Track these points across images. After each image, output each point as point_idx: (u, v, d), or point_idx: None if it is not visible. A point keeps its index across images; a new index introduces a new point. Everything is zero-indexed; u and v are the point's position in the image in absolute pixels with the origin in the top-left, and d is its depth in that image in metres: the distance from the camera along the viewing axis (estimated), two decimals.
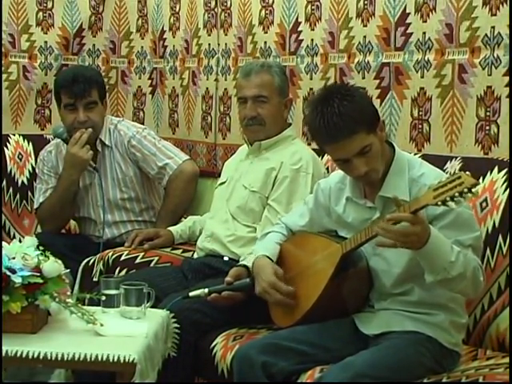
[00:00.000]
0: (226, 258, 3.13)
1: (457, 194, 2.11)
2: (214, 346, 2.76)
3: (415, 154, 2.95)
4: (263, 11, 3.80)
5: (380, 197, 2.48)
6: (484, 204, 2.71)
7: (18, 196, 4.17)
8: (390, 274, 2.49)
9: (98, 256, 3.45)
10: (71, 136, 3.66)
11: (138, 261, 3.37)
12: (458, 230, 2.35)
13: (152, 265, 3.36)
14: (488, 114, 2.90)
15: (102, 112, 3.76)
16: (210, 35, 4.12)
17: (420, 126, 3.16)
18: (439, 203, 2.14)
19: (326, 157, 3.21)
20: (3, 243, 2.49)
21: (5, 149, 4.19)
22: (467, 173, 2.13)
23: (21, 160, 4.22)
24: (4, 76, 4.38)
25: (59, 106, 3.74)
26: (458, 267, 2.26)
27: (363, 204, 2.54)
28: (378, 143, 2.43)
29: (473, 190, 2.10)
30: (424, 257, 2.27)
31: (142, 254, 3.41)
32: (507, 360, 2.42)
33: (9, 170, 4.17)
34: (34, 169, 4.12)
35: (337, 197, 2.64)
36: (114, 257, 3.39)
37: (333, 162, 2.65)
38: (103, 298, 2.62)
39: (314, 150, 3.16)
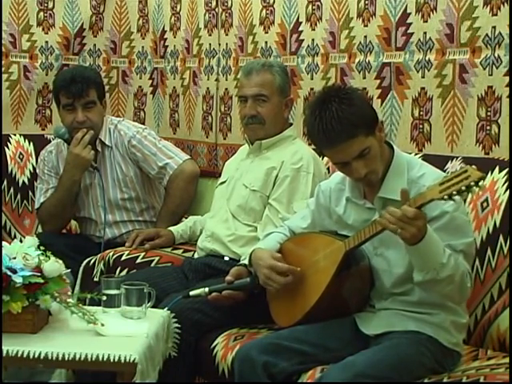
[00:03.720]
0: (226, 258, 3.13)
1: (463, 188, 2.10)
2: (215, 346, 2.75)
3: (416, 154, 2.95)
4: (264, 11, 3.80)
5: (379, 198, 2.48)
6: (485, 204, 2.70)
7: (18, 196, 4.16)
8: (391, 274, 2.49)
9: (98, 256, 3.45)
10: (73, 137, 3.67)
11: (138, 261, 3.37)
12: (451, 235, 2.35)
13: (153, 265, 3.36)
14: (489, 113, 2.89)
15: (101, 112, 3.76)
16: (210, 35, 4.11)
17: (421, 126, 3.16)
18: (445, 197, 2.14)
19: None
20: (4, 243, 2.49)
21: (5, 149, 4.19)
22: (473, 166, 2.12)
23: (21, 160, 4.22)
24: (5, 76, 4.38)
25: (58, 107, 3.74)
26: (448, 270, 2.27)
27: (362, 205, 2.54)
28: (377, 144, 2.43)
29: (479, 183, 2.09)
30: (416, 254, 2.27)
31: (143, 254, 3.41)
32: (508, 360, 2.42)
33: (9, 170, 4.16)
34: (34, 169, 4.11)
35: (337, 197, 2.64)
36: (114, 257, 3.39)
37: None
38: (104, 298, 2.62)
39: (314, 149, 3.15)
